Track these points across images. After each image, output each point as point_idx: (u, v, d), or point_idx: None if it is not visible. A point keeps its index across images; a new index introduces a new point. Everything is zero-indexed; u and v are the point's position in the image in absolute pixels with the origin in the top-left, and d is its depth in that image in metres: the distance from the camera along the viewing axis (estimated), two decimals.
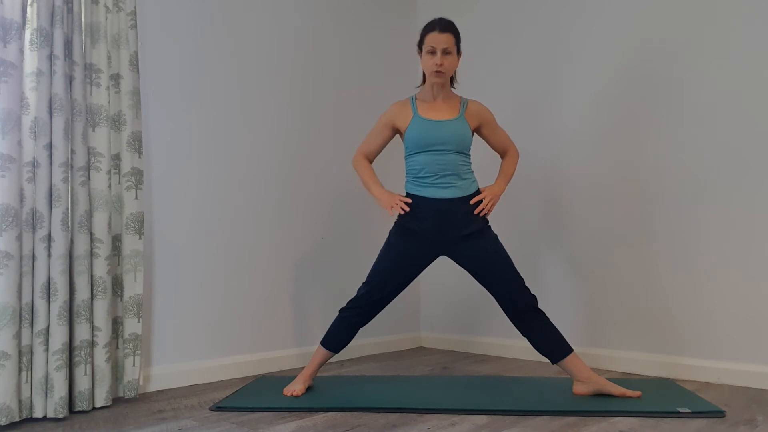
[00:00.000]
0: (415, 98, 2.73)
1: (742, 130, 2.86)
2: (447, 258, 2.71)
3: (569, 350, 2.58)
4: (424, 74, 2.71)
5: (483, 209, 2.62)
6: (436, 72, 2.59)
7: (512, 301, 2.59)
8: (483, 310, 3.75)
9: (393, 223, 2.72)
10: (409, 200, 2.62)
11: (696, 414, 2.32)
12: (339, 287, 3.57)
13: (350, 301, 2.70)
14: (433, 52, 2.58)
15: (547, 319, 2.60)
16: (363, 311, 2.67)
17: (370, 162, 2.80)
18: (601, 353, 3.22)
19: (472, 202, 2.62)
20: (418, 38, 2.67)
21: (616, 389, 2.55)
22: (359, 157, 2.79)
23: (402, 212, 2.62)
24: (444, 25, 2.59)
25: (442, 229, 2.60)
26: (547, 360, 3.39)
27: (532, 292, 2.63)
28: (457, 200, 2.61)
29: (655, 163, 3.10)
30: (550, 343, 2.59)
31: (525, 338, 2.65)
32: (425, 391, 2.74)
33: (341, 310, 2.71)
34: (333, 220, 3.62)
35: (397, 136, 2.77)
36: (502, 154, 2.82)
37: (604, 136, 3.28)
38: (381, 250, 2.71)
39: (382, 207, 2.68)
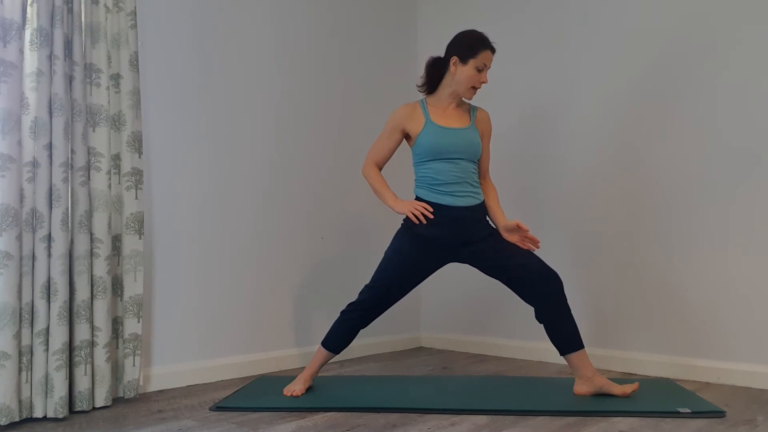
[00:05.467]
0: (426, 102, 2.71)
1: (746, 131, 2.86)
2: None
3: (581, 345, 2.56)
4: (430, 77, 2.69)
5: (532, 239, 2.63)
6: (476, 88, 2.64)
7: (540, 278, 2.54)
8: (483, 310, 3.75)
9: (400, 227, 2.69)
10: (431, 208, 2.58)
11: (696, 414, 2.32)
12: (339, 287, 3.57)
13: (352, 303, 2.69)
14: (481, 70, 2.60)
15: (569, 308, 2.58)
16: (365, 314, 2.66)
17: (381, 168, 2.74)
18: (601, 353, 3.22)
19: (528, 235, 2.60)
20: (458, 43, 2.62)
21: (617, 388, 2.54)
22: (369, 166, 2.72)
23: (425, 221, 2.57)
24: (494, 46, 2.63)
25: (457, 235, 2.60)
26: (546, 360, 3.42)
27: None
28: (472, 208, 2.62)
29: (657, 164, 3.10)
30: (566, 333, 2.55)
31: (541, 323, 2.58)
32: (425, 391, 2.74)
33: (343, 312, 2.70)
34: (333, 220, 3.62)
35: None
36: (480, 176, 2.76)
37: (610, 135, 3.28)
38: (387, 255, 2.68)
39: (399, 213, 2.63)
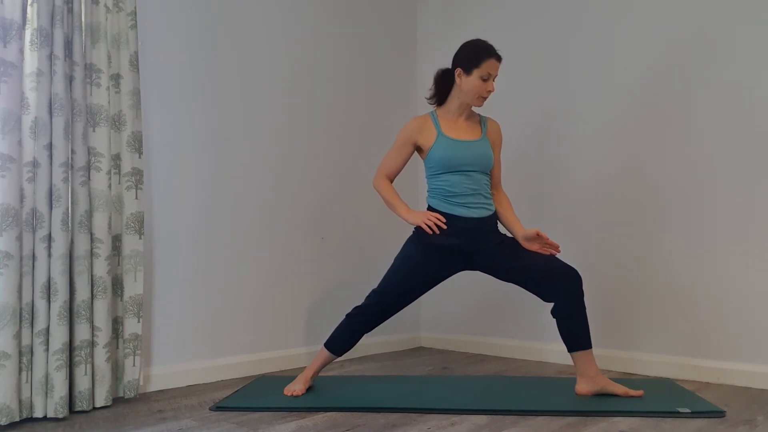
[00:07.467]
0: (436, 114, 2.70)
1: (747, 133, 2.86)
2: None
3: (589, 345, 2.56)
4: (438, 88, 2.68)
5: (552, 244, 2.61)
6: (483, 98, 2.62)
7: (561, 273, 2.53)
8: (483, 310, 3.75)
9: (411, 235, 2.68)
10: (444, 218, 2.57)
11: (696, 414, 2.32)
12: (339, 287, 3.57)
13: (359, 307, 2.68)
14: (487, 79, 2.59)
15: (584, 307, 2.57)
16: (371, 318, 2.66)
17: (392, 181, 2.73)
18: (601, 353, 3.20)
19: (548, 241, 2.58)
20: (462, 54, 2.60)
21: (619, 389, 2.55)
22: (381, 178, 2.71)
23: (438, 231, 2.56)
24: (499, 54, 2.60)
25: (469, 245, 2.59)
26: (546, 360, 3.42)
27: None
28: (484, 219, 2.62)
29: (656, 167, 3.10)
30: (578, 330, 2.54)
31: (555, 318, 2.57)
32: (425, 391, 2.74)
33: (348, 315, 2.69)
34: (333, 220, 3.62)
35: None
36: (492, 187, 2.75)
37: (613, 140, 3.27)
38: (397, 261, 2.68)
39: (412, 224, 2.62)
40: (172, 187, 2.98)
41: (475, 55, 2.58)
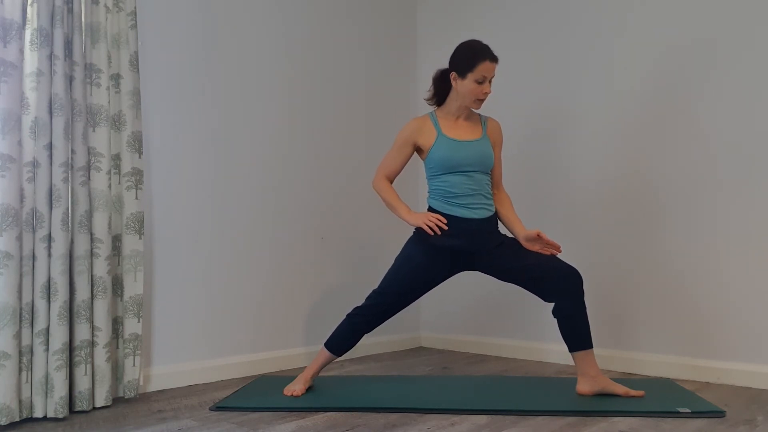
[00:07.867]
0: (435, 115, 2.69)
1: (748, 133, 2.86)
2: None
3: (590, 345, 2.56)
4: (437, 89, 2.68)
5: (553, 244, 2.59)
6: (480, 100, 2.61)
7: (562, 274, 2.53)
8: (483, 310, 3.75)
9: (411, 236, 2.68)
10: (445, 219, 2.57)
11: (696, 414, 2.32)
12: (338, 288, 3.57)
13: (359, 307, 2.68)
14: (482, 82, 2.57)
15: (585, 306, 2.57)
16: (372, 319, 2.66)
17: (391, 182, 2.72)
18: (601, 353, 3.21)
19: (549, 242, 2.57)
20: (456, 58, 2.59)
21: (620, 389, 2.55)
22: (380, 179, 2.70)
23: (439, 232, 2.55)
24: (494, 55, 2.58)
25: (470, 246, 2.59)
26: (546, 360, 3.42)
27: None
28: (485, 220, 2.62)
29: (656, 168, 3.10)
30: (579, 330, 2.54)
31: (556, 318, 2.57)
32: (425, 391, 2.74)
33: (348, 315, 2.69)
34: (333, 220, 3.62)
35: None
36: (493, 186, 2.75)
37: (615, 136, 3.27)
38: (397, 262, 2.68)
39: (413, 225, 2.62)
40: (172, 187, 2.98)
41: (469, 58, 2.56)
